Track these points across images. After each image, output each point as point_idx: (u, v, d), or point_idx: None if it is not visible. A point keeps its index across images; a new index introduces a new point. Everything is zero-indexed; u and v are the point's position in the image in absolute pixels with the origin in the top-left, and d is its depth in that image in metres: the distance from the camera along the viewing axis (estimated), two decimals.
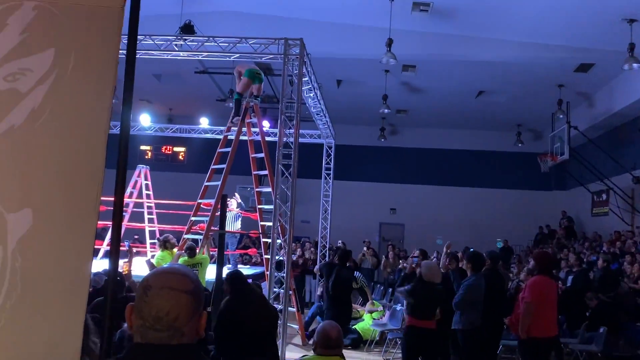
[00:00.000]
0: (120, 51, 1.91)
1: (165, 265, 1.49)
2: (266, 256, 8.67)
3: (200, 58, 8.26)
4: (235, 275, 4.75)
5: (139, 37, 2.09)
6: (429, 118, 17.81)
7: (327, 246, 12.52)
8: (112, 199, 1.88)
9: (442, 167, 19.04)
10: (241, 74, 8.99)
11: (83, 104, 1.71)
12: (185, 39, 7.67)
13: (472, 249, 8.51)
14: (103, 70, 1.79)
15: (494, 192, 18.60)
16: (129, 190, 11.33)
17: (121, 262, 8.96)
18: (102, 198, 1.82)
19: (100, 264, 8.90)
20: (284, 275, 7.17)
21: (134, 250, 10.28)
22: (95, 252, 10.78)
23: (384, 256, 13.26)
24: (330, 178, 12.64)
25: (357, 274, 9.28)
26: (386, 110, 14.03)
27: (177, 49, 7.74)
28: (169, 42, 7.62)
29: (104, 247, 10.87)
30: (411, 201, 18.74)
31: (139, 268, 7.72)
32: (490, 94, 15.01)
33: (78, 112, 1.69)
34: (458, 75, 13.47)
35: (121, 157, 1.79)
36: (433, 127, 18.80)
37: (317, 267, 8.69)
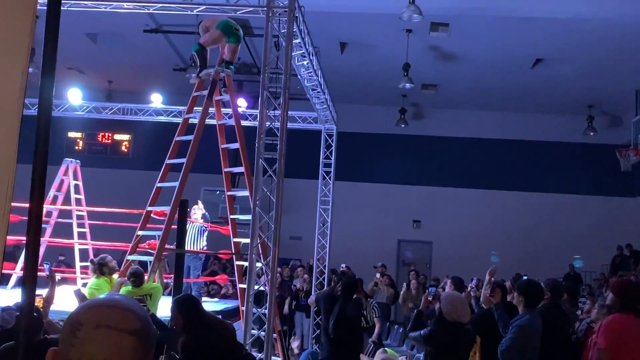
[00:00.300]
0: (40, 1, 1.90)
1: (101, 296, 1.48)
2: (241, 285, 8.65)
3: (151, 11, 8.24)
4: (186, 300, 4.74)
5: None
6: (466, 96, 17.83)
7: (326, 271, 12.53)
8: (27, 205, 1.87)
9: (485, 163, 19.08)
10: (210, 28, 9.01)
11: None
12: None
13: (525, 277, 8.53)
14: (15, 28, 1.77)
15: (557, 198, 18.66)
16: (51, 193, 11.32)
17: (40, 292, 8.93)
18: (14, 204, 1.81)
19: (11, 295, 8.87)
20: (266, 312, 7.17)
21: (58, 276, 10.25)
22: (5, 279, 10.76)
23: (404, 285, 13.26)
24: (330, 178, 12.65)
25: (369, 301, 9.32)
26: (408, 85, 14.03)
27: None
28: None
29: (17, 271, 10.85)
30: (441, 210, 18.78)
31: (65, 301, 7.69)
32: (552, 64, 15.04)
33: None
34: (507, 37, 13.49)
35: (39, 147, 1.78)
36: (472, 108, 18.84)
37: (312, 297, 8.68)
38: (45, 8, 1.96)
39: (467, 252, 17.49)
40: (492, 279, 6.59)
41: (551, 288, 6.09)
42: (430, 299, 6.42)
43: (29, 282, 1.77)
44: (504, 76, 15.89)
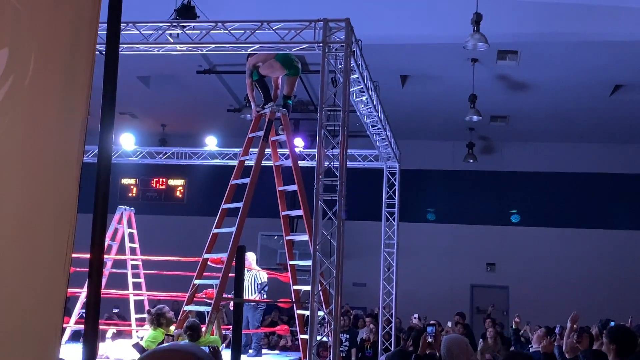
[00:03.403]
0: (97, 46, 2.00)
1: (165, 344, 1.55)
2: (303, 336, 8.63)
3: (205, 52, 8.49)
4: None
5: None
6: (539, 127, 17.57)
7: (393, 320, 12.36)
8: (86, 256, 1.94)
9: (563, 199, 18.65)
10: (261, 63, 9.21)
11: (47, 123, 1.79)
12: (184, 26, 7.93)
13: (613, 322, 8.25)
14: (74, 75, 1.87)
15: None
16: (106, 242, 11.57)
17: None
18: (72, 255, 1.88)
19: (65, 351, 9.05)
20: None
21: (113, 329, 10.44)
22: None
23: (481, 341, 12.93)
24: (394, 219, 12.58)
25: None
26: (475, 118, 13.94)
27: (172, 41, 7.99)
28: (160, 32, 7.88)
29: (71, 325, 11.08)
30: (517, 252, 18.37)
31: (122, 355, 7.83)
32: (632, 89, 14.71)
33: (41, 133, 1.77)
34: (582, 62, 13.30)
35: (99, 195, 1.85)
36: (546, 140, 18.52)
37: (381, 358, 8.56)
38: (102, 54, 2.07)
39: (548, 297, 17.00)
40: (575, 325, 6.42)
41: None
42: (429, 340, 6.08)
43: (90, 337, 1.81)
44: (581, 105, 15.61)
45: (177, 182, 19.91)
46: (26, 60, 1.77)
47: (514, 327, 11.49)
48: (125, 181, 19.63)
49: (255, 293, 10.65)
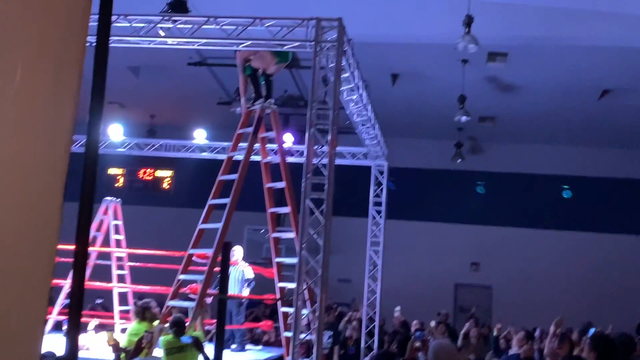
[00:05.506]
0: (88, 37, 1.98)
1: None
2: (287, 334, 8.63)
3: (196, 47, 8.46)
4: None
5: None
6: (527, 129, 17.65)
7: (376, 319, 12.38)
8: (71, 247, 1.93)
9: (548, 201, 18.75)
10: (251, 55, 9.29)
11: (36, 113, 1.77)
12: (176, 21, 7.89)
13: (594, 328, 8.29)
14: (64, 65, 1.86)
15: (628, 239, 18.15)
16: (91, 233, 11.49)
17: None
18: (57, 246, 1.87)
19: (47, 342, 9.00)
20: None
21: (96, 321, 10.38)
22: None
23: (461, 335, 12.97)
24: (381, 217, 12.61)
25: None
26: (464, 118, 13.98)
27: (163, 35, 7.95)
28: (152, 25, 7.84)
29: (53, 316, 11.01)
30: (502, 252, 18.46)
31: (100, 348, 7.81)
32: (621, 95, 14.80)
33: (29, 124, 1.75)
34: (571, 67, 13.37)
35: (86, 185, 1.83)
36: (533, 142, 18.61)
37: (366, 359, 8.56)
38: (92, 44, 2.05)
39: (531, 298, 17.09)
40: (558, 330, 6.45)
41: (623, 342, 5.91)
42: (417, 345, 6.05)
43: (73, 327, 1.80)
44: (568, 108, 15.70)
45: (165, 174, 19.85)
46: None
47: (495, 333, 11.51)
48: (112, 171, 19.56)
49: (239, 287, 10.61)
